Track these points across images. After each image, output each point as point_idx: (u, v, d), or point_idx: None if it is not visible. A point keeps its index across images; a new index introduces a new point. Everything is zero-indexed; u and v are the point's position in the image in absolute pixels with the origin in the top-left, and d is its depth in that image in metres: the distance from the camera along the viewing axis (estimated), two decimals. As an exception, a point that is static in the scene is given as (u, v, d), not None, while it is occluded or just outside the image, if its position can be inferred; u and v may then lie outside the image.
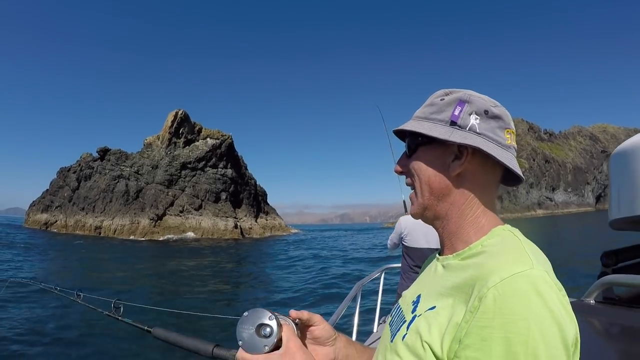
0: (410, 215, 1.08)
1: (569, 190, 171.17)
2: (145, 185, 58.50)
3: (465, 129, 0.75)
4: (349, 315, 2.90)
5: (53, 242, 39.33)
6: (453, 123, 0.76)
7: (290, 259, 26.29)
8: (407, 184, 0.84)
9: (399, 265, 4.40)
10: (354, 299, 3.09)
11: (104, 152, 63.84)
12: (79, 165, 64.87)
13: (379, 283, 4.66)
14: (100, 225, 55.64)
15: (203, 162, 60.11)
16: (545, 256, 0.69)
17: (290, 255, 28.58)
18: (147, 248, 37.63)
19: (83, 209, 59.15)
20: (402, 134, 0.84)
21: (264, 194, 70.53)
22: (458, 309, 0.64)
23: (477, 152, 0.74)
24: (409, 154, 0.82)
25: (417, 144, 0.80)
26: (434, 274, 0.80)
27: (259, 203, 66.67)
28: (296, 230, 71.63)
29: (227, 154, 62.97)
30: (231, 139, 64.47)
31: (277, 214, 71.04)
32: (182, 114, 62.23)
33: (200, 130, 63.82)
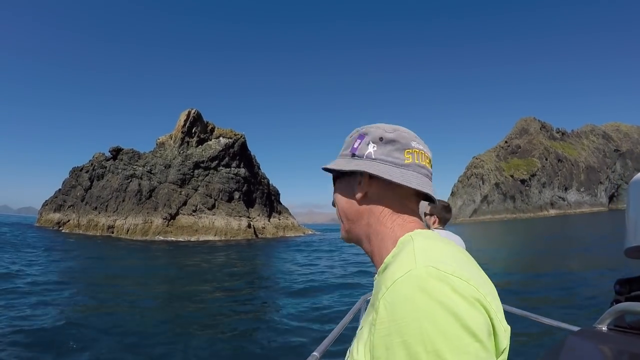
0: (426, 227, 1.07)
1: (581, 189, 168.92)
2: (158, 184, 58.30)
3: (363, 157, 0.84)
4: (352, 329, 2.53)
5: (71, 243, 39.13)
6: (353, 155, 0.86)
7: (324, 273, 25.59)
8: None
9: None
10: (358, 313, 3.00)
11: (116, 152, 63.80)
12: (92, 164, 64.91)
13: None
14: (113, 224, 55.50)
15: (216, 162, 59.78)
16: (447, 249, 0.71)
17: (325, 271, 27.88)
18: (179, 250, 37.28)
19: (96, 208, 59.11)
20: None
21: (277, 194, 70.10)
22: (369, 325, 0.67)
23: (375, 174, 0.82)
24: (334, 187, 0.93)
25: (334, 178, 0.92)
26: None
27: (271, 202, 66.23)
28: (311, 231, 70.83)
29: (240, 153, 62.60)
30: (244, 138, 64.09)
31: (290, 214, 70.57)
32: (194, 113, 61.97)
33: (213, 130, 63.52)
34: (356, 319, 2.86)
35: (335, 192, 0.91)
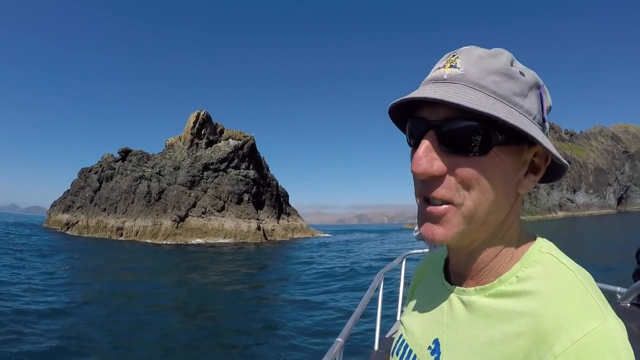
0: None
1: (590, 191, 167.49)
2: (167, 186, 58.21)
3: (545, 130, 0.59)
4: (373, 305, 2.80)
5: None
6: (542, 123, 0.59)
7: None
8: (435, 193, 0.57)
9: (421, 251, 4.36)
10: (377, 289, 3.04)
11: (125, 153, 63.82)
12: (100, 165, 64.98)
13: (400, 270, 4.57)
14: (122, 226, 55.47)
15: (225, 163, 59.60)
16: (587, 272, 0.57)
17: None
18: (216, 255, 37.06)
19: (104, 209, 59.11)
20: (445, 109, 0.57)
21: (286, 195, 69.83)
22: None
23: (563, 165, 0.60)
24: (464, 151, 0.56)
25: (490, 140, 0.55)
26: (450, 312, 0.64)
27: (280, 204, 65.95)
28: (321, 233, 70.27)
29: (249, 154, 62.40)
30: (253, 139, 63.88)
31: (299, 215, 70.25)
32: (204, 114, 61.83)
33: (222, 131, 63.36)
34: (376, 297, 2.88)
35: (484, 165, 0.56)
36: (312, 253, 34.27)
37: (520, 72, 0.57)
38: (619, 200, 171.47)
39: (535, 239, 0.61)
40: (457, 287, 0.64)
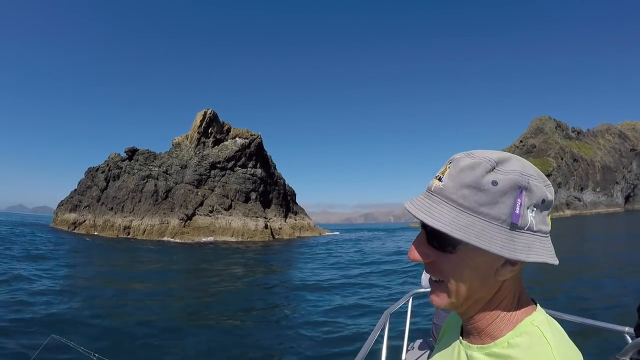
0: None
1: (597, 190, 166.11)
2: (175, 185, 58.08)
3: (524, 228, 0.66)
4: (378, 343, 2.73)
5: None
6: (513, 226, 0.65)
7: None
8: (429, 273, 0.75)
9: (428, 290, 3.86)
10: (383, 328, 2.99)
11: (132, 152, 63.76)
12: (107, 165, 64.92)
13: (407, 308, 4.50)
14: (129, 225, 55.38)
15: (232, 162, 59.45)
16: (572, 346, 0.67)
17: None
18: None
19: (112, 208, 59.04)
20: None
21: (293, 194, 69.64)
22: None
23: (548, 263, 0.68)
24: (440, 248, 0.70)
25: (457, 243, 0.68)
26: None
27: (288, 203, 65.75)
28: (331, 233, 70.06)
29: (256, 153, 62.23)
30: (260, 138, 63.74)
31: (306, 214, 70.06)
32: (210, 113, 61.68)
33: (229, 130, 63.24)
34: (381, 335, 2.81)
35: (454, 262, 0.70)
36: (324, 251, 34.02)
37: (493, 182, 0.65)
38: (627, 199, 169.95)
39: (533, 310, 0.71)
40: (466, 342, 0.76)
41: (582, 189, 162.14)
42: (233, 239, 51.01)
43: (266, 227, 54.47)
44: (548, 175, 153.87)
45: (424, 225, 0.69)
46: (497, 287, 0.70)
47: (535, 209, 0.65)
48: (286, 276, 19.86)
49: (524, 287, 0.74)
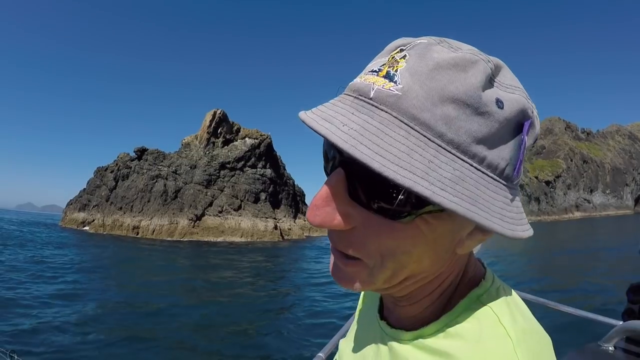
0: None
1: (607, 192, 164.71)
2: (184, 185, 58.05)
3: (516, 185, 0.42)
4: None
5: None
6: (512, 181, 0.41)
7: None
8: (338, 244, 0.45)
9: None
10: None
11: (141, 152, 63.82)
12: (117, 164, 65.06)
13: None
14: (138, 225, 55.42)
15: (242, 162, 59.34)
16: (538, 331, 0.44)
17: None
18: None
19: (121, 208, 59.12)
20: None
21: (302, 194, 69.45)
22: None
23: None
24: (379, 210, 0.40)
25: (417, 205, 0.39)
26: (376, 349, 0.54)
27: (297, 203, 65.52)
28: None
29: (265, 153, 62.09)
30: (270, 138, 63.54)
31: (315, 215, 69.68)
32: (220, 113, 61.60)
33: (238, 130, 63.12)
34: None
35: (397, 233, 0.41)
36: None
37: (498, 102, 0.37)
38: (637, 201, 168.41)
39: (480, 279, 0.49)
40: (386, 324, 0.54)
41: (591, 191, 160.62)
42: (242, 240, 50.81)
43: (276, 227, 54.29)
44: (558, 177, 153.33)
45: (342, 162, 0.41)
46: (450, 261, 0.46)
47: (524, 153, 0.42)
48: (295, 274, 19.86)
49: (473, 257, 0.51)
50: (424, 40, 0.39)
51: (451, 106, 0.35)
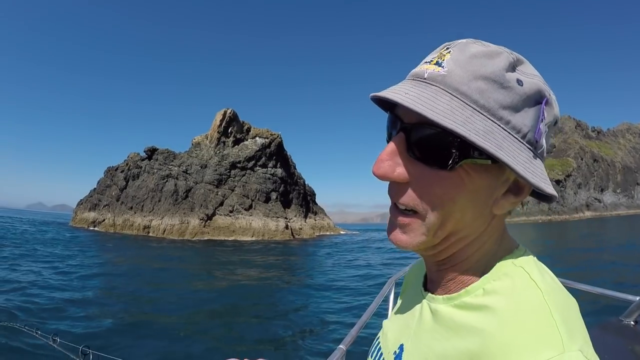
0: None
1: (618, 191, 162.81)
2: (194, 184, 58.05)
3: (539, 151, 0.53)
4: (383, 309, 2.70)
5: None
6: (534, 144, 0.52)
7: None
8: (398, 199, 0.54)
9: None
10: (387, 295, 2.86)
11: (151, 152, 63.95)
12: (127, 164, 65.26)
13: None
14: (149, 224, 55.52)
15: (253, 162, 59.20)
16: (565, 292, 0.51)
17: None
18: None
19: (131, 208, 59.28)
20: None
21: (313, 194, 69.15)
22: None
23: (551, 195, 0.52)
24: (430, 162, 0.51)
25: (460, 155, 0.49)
26: (419, 318, 0.60)
27: (307, 203, 65.29)
28: (352, 232, 69.72)
29: (276, 153, 61.93)
30: (280, 138, 63.33)
31: (326, 214, 69.56)
32: (230, 113, 61.48)
33: (249, 130, 62.98)
34: (385, 302, 2.71)
35: (451, 183, 0.51)
36: (347, 249, 33.46)
37: (518, 81, 0.49)
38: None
39: (514, 248, 0.56)
40: (429, 294, 0.60)
41: (602, 190, 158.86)
42: (253, 239, 50.68)
43: (287, 227, 54.09)
44: (568, 176, 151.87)
45: (403, 128, 0.52)
46: (488, 223, 0.54)
47: (547, 129, 0.53)
48: (308, 274, 19.68)
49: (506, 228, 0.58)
50: (463, 40, 0.52)
51: (482, 82, 0.48)
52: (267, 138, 61.90)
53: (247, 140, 61.75)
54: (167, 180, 59.62)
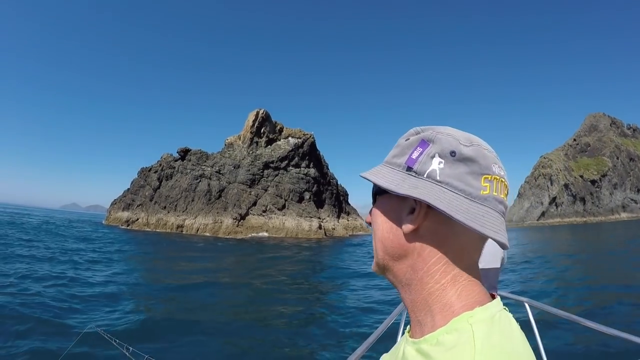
0: None
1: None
2: (227, 184, 58.31)
3: (423, 175, 0.63)
4: (393, 335, 2.62)
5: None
6: (409, 169, 0.65)
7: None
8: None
9: None
10: (399, 318, 2.84)
11: (184, 153, 64.63)
12: (160, 165, 66.15)
13: None
14: (182, 224, 56.07)
15: (285, 162, 59.16)
16: (517, 353, 0.55)
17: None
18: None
19: (165, 207, 60.01)
20: None
21: (345, 194, 68.69)
22: None
23: (437, 207, 0.60)
24: (373, 203, 0.73)
25: (375, 192, 0.71)
26: (401, 356, 0.66)
27: (340, 203, 64.86)
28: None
29: (309, 153, 61.76)
30: (313, 137, 63.14)
31: (358, 214, 68.89)
32: (263, 113, 61.58)
33: (281, 130, 63.01)
34: (397, 323, 2.68)
35: (374, 210, 0.71)
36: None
37: (406, 139, 0.68)
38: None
39: (478, 305, 0.60)
40: (408, 335, 0.67)
41: (638, 191, 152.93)
42: (287, 236, 50.40)
43: (320, 227, 53.77)
44: (604, 176, 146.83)
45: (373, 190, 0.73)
46: (409, 243, 0.63)
47: (441, 159, 0.61)
48: (341, 267, 19.69)
49: (477, 278, 0.63)
50: (411, 130, 0.69)
51: (392, 150, 0.70)
52: (300, 138, 61.76)
53: (279, 140, 61.75)
54: (200, 180, 60.10)
